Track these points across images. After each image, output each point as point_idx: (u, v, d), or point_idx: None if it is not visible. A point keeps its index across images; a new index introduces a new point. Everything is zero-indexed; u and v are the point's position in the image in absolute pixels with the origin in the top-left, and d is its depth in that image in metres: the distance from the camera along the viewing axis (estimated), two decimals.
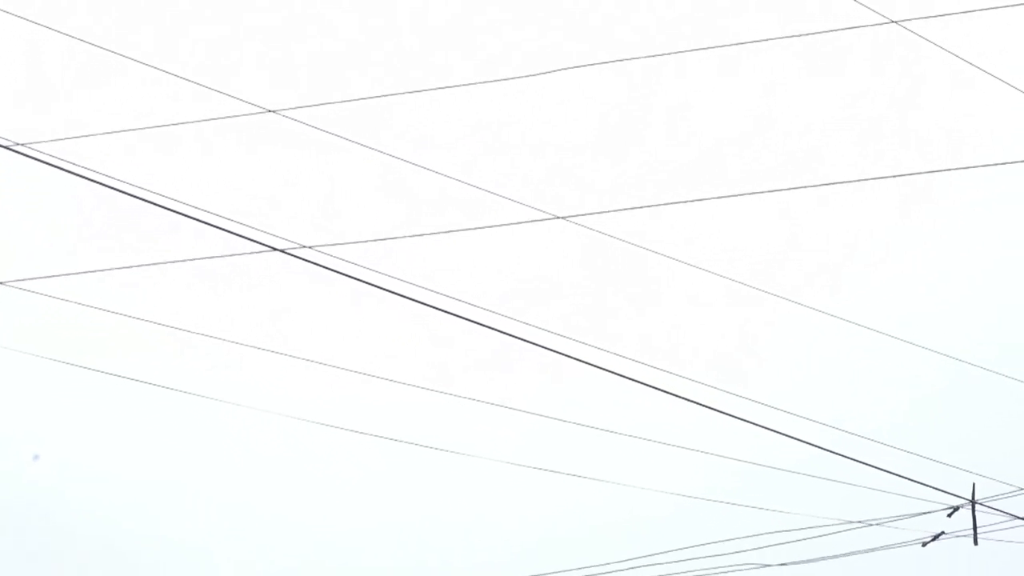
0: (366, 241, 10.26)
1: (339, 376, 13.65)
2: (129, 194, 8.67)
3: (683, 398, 11.00)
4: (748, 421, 11.61)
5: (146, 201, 8.75)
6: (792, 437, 11.97)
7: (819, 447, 12.10)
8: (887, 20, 9.37)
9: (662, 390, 10.79)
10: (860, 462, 12.49)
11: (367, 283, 9.22)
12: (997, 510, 13.77)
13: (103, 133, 11.09)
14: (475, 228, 11.14)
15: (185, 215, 8.80)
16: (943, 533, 14.05)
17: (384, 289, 9.25)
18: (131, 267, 12.39)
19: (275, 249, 9.32)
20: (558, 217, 10.84)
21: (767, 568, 14.48)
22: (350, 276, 9.18)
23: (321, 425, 16.21)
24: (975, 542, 13.69)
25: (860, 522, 14.48)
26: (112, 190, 8.65)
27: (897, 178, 11.14)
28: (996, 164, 10.47)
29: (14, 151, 8.82)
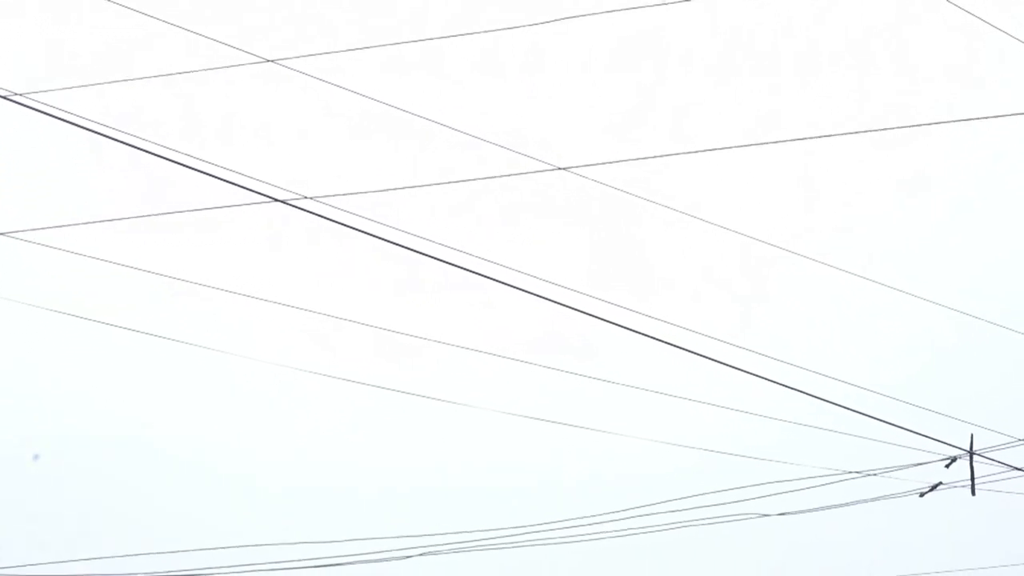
0: (368, 192, 10.24)
1: (340, 326, 13.66)
2: (130, 145, 8.65)
3: (684, 349, 11.02)
4: (748, 372, 11.63)
5: (147, 152, 8.73)
6: (792, 388, 12.00)
7: (818, 398, 12.14)
8: None
9: (664, 341, 10.81)
10: (859, 413, 12.52)
11: (369, 234, 9.21)
12: (995, 461, 13.81)
13: (104, 83, 11.06)
14: (478, 179, 11.13)
15: (186, 166, 8.79)
16: (941, 483, 14.09)
17: (386, 240, 9.25)
18: (132, 218, 12.38)
19: (276, 200, 9.31)
20: (560, 168, 10.81)
21: (766, 518, 14.55)
22: (352, 227, 9.17)
23: (325, 376, 16.25)
24: (972, 492, 13.73)
25: (859, 472, 14.53)
26: (113, 141, 8.64)
27: (901, 130, 11.11)
28: (1002, 116, 10.44)
29: (13, 101, 8.80)
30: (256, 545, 14.43)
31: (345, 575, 15.37)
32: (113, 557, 14.52)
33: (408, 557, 14.60)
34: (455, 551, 14.71)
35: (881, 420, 12.78)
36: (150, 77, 11.67)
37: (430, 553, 14.68)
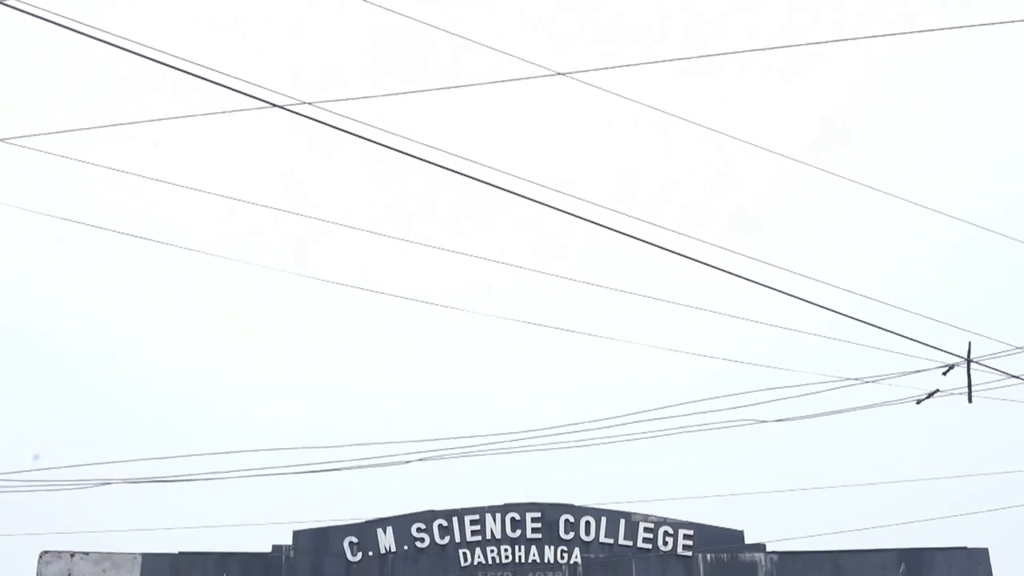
0: (366, 97, 10.20)
1: (339, 232, 13.66)
2: (129, 51, 8.61)
3: (685, 256, 11.04)
4: (748, 279, 11.65)
5: (145, 58, 8.70)
6: (790, 295, 12.03)
7: (817, 305, 12.17)
8: None
9: (665, 248, 10.82)
10: (857, 320, 12.55)
11: (367, 139, 9.20)
12: (992, 368, 13.85)
13: None
14: (477, 84, 11.07)
15: (186, 71, 8.76)
16: (938, 391, 14.14)
17: (384, 146, 9.23)
18: (131, 123, 12.33)
19: (275, 105, 9.29)
20: (559, 73, 10.76)
21: (763, 424, 14.62)
22: (350, 132, 9.15)
23: (321, 281, 16.26)
24: (969, 400, 13.78)
25: (856, 379, 14.59)
26: (112, 46, 8.60)
27: (901, 36, 11.04)
28: (999, 23, 10.38)
29: (8, 6, 8.74)
30: (257, 450, 14.52)
31: (346, 480, 15.51)
32: (107, 463, 14.63)
33: (407, 463, 14.71)
34: (454, 456, 14.82)
35: (879, 327, 12.81)
36: None
37: (429, 458, 14.78)
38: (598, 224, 10.32)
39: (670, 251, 10.83)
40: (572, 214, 10.16)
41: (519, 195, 9.64)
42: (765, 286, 11.80)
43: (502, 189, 9.50)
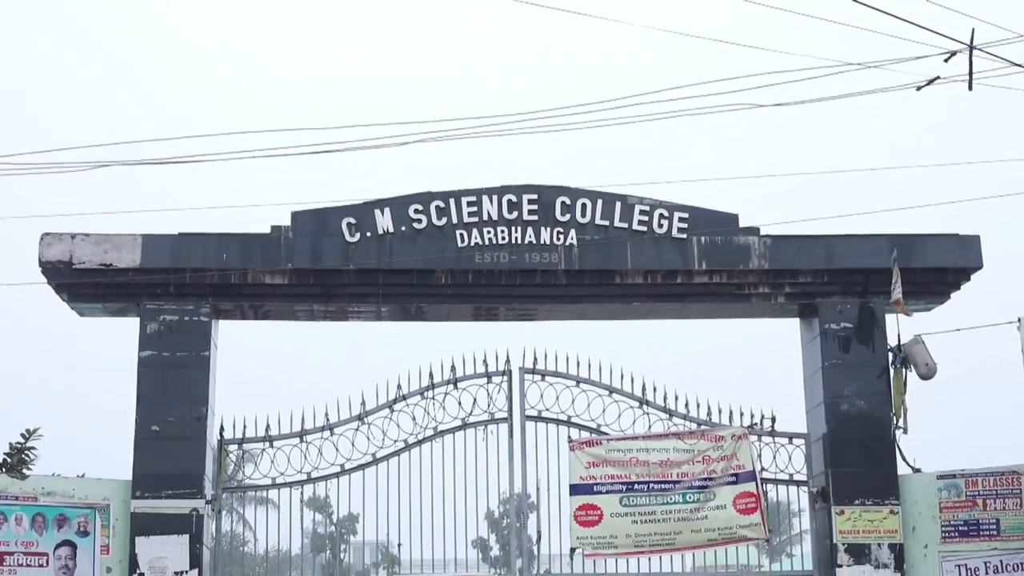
0: None
1: None
2: None
3: None
4: None
5: None
6: None
7: None
8: None
9: None
10: (858, 2, 12.42)
11: None
12: (994, 56, 13.81)
13: None
14: None
15: None
16: (939, 78, 14.13)
17: None
18: None
19: None
20: None
21: (762, 108, 14.61)
22: None
23: None
24: (970, 87, 13.79)
25: (856, 64, 14.54)
26: None
27: None
28: None
29: None
30: (256, 131, 14.56)
31: (344, 161, 15.60)
32: (105, 145, 14.68)
33: (405, 144, 14.76)
34: (451, 138, 14.86)
35: (881, 11, 12.70)
36: None
37: (427, 140, 14.83)
38: None
39: None
40: None
41: None
42: None
43: None
